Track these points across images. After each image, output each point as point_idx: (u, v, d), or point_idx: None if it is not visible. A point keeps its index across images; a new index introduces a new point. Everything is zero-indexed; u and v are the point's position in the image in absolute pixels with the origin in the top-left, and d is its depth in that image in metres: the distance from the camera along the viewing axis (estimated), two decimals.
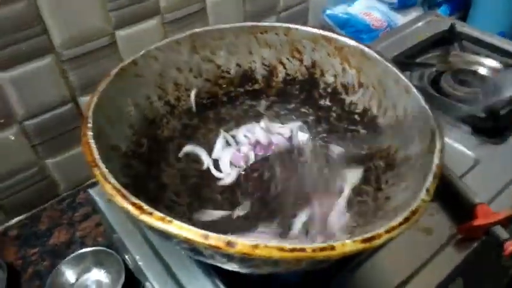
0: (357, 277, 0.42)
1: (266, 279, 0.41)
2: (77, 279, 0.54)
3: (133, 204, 0.28)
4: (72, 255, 0.53)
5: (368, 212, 0.38)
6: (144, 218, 0.27)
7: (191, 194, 0.44)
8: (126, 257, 0.48)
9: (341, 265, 0.43)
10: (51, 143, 0.61)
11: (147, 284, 0.42)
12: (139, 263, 0.43)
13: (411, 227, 0.28)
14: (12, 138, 0.57)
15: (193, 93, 0.47)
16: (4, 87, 0.53)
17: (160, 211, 0.38)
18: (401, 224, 0.27)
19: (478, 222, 0.42)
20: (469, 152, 0.54)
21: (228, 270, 0.38)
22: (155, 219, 0.26)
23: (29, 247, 0.59)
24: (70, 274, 0.53)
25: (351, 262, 0.43)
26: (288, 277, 0.42)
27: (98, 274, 0.55)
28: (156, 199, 0.40)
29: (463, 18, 0.93)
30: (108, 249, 0.54)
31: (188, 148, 0.46)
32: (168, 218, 0.26)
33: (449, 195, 0.46)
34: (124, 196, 0.28)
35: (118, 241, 0.48)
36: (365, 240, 0.26)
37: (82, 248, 0.55)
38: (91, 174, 0.31)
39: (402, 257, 0.43)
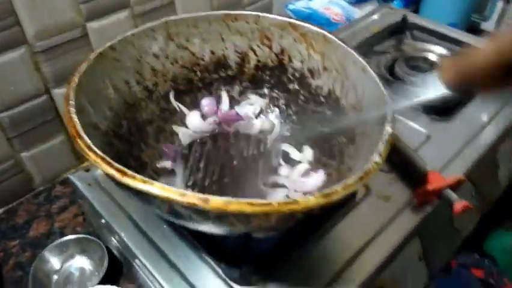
0: (324, 243, 0.46)
1: (243, 249, 0.45)
2: (61, 267, 0.55)
3: (117, 169, 0.30)
4: (55, 242, 0.54)
5: (333, 183, 0.43)
6: (127, 180, 0.29)
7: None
8: (112, 238, 0.50)
9: (309, 232, 0.47)
10: (26, 136, 0.61)
11: (136, 261, 0.45)
12: (127, 241, 0.45)
13: (364, 184, 0.32)
14: None
15: (171, 95, 0.49)
16: None
17: None
18: (356, 182, 0.31)
19: (430, 186, 0.48)
20: (421, 129, 0.60)
21: (209, 241, 0.41)
22: (138, 182, 0.29)
23: (9, 240, 0.59)
24: (53, 261, 0.54)
25: (319, 228, 0.47)
26: (262, 246, 0.46)
27: (81, 261, 0.56)
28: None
29: (415, 11, 1.01)
30: (90, 237, 0.55)
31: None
32: (150, 180, 0.28)
33: (404, 166, 0.52)
34: (108, 163, 0.30)
35: (102, 225, 0.50)
36: (324, 196, 0.29)
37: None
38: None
39: (364, 222, 0.48)
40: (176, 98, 0.50)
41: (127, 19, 0.65)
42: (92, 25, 0.61)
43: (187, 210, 0.30)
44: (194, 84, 0.51)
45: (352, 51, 0.43)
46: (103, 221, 0.48)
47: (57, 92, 0.62)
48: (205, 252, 0.43)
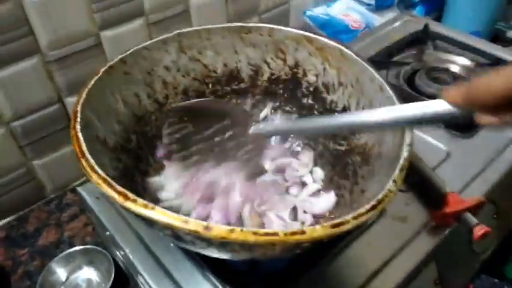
0: (336, 265, 0.45)
1: (251, 269, 0.44)
2: (67, 278, 0.54)
3: (119, 192, 0.29)
4: (62, 253, 0.54)
5: (345, 205, 0.41)
6: (128, 204, 0.28)
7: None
8: (117, 253, 0.49)
9: (321, 253, 0.45)
10: (38, 144, 0.61)
11: (139, 277, 0.44)
12: (131, 257, 0.44)
13: (377, 214, 0.30)
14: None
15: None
16: None
17: None
18: (368, 211, 0.29)
19: (449, 209, 0.46)
20: (440, 145, 0.57)
21: (215, 260, 0.40)
22: (139, 206, 0.28)
23: (18, 248, 0.59)
24: (60, 272, 0.54)
25: (331, 249, 0.45)
26: (271, 266, 0.44)
27: (88, 272, 0.55)
28: (144, 192, 0.42)
29: (438, 18, 0.98)
30: (98, 248, 0.54)
31: None
32: (151, 205, 0.28)
33: (422, 186, 0.50)
34: (110, 185, 0.29)
35: (108, 238, 0.49)
36: (333, 226, 0.27)
37: (70, 248, 0.56)
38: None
39: (379, 244, 0.46)
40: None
41: (141, 27, 0.65)
42: (106, 34, 0.61)
43: (189, 236, 0.29)
44: (205, 97, 0.50)
45: (369, 68, 0.41)
46: (108, 233, 0.48)
47: (70, 101, 0.62)
48: (211, 271, 0.42)
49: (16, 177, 0.62)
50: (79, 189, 0.50)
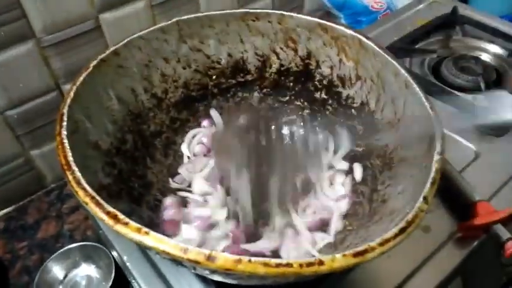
0: (355, 278, 0.41)
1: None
2: (66, 275, 0.52)
3: (108, 213, 0.26)
4: (59, 251, 0.52)
5: (363, 215, 0.37)
6: (119, 228, 0.25)
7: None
8: (113, 252, 0.46)
9: None
10: (36, 133, 0.59)
11: (134, 283, 0.41)
12: (127, 263, 0.42)
13: (406, 238, 0.27)
14: None
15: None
16: None
17: (144, 213, 0.36)
18: (396, 235, 0.26)
19: (478, 220, 0.41)
20: (469, 145, 0.52)
21: None
22: (131, 230, 0.25)
23: (17, 240, 0.57)
24: (58, 270, 0.52)
25: None
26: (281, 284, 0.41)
27: (87, 269, 0.53)
28: (140, 199, 0.39)
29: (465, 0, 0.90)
30: (96, 244, 0.52)
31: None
32: (145, 229, 0.25)
33: (449, 191, 0.45)
34: (98, 204, 0.26)
35: (104, 237, 0.47)
36: (356, 254, 0.24)
37: (70, 242, 0.54)
38: None
39: (400, 257, 0.42)
40: (188, 106, 0.45)
41: (144, 10, 0.60)
42: (106, 17, 0.57)
43: (190, 263, 0.25)
44: (208, 90, 0.45)
45: (393, 61, 0.36)
46: (101, 232, 0.45)
47: (68, 88, 0.58)
48: (215, 286, 0.39)
49: (14, 168, 0.59)
50: None
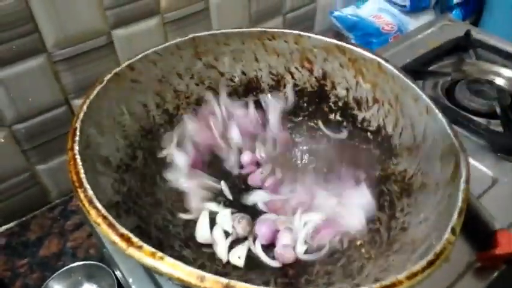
0: None
1: None
2: None
3: (121, 235, 0.25)
4: (61, 270, 0.50)
5: (382, 243, 0.35)
6: (132, 252, 0.24)
7: None
8: (117, 272, 0.45)
9: None
10: (42, 148, 0.58)
11: None
12: (132, 286, 0.40)
13: (435, 270, 0.25)
14: (2, 140, 0.54)
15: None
16: None
17: (152, 233, 0.35)
18: (424, 269, 0.25)
19: (499, 251, 0.39)
20: (486, 170, 0.51)
21: None
22: (145, 255, 0.24)
23: (18, 258, 0.56)
24: None
25: None
26: None
27: None
28: (149, 218, 0.37)
29: (475, 22, 0.90)
30: (99, 263, 0.51)
31: None
32: (159, 254, 0.24)
33: (468, 220, 0.43)
34: (110, 225, 0.25)
35: (108, 256, 0.45)
36: None
37: (72, 260, 0.52)
38: None
39: None
40: None
41: (156, 27, 0.60)
42: (118, 33, 0.57)
43: None
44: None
45: (413, 85, 0.35)
46: (105, 250, 0.44)
47: (77, 103, 0.57)
48: None
49: (19, 182, 0.58)
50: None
